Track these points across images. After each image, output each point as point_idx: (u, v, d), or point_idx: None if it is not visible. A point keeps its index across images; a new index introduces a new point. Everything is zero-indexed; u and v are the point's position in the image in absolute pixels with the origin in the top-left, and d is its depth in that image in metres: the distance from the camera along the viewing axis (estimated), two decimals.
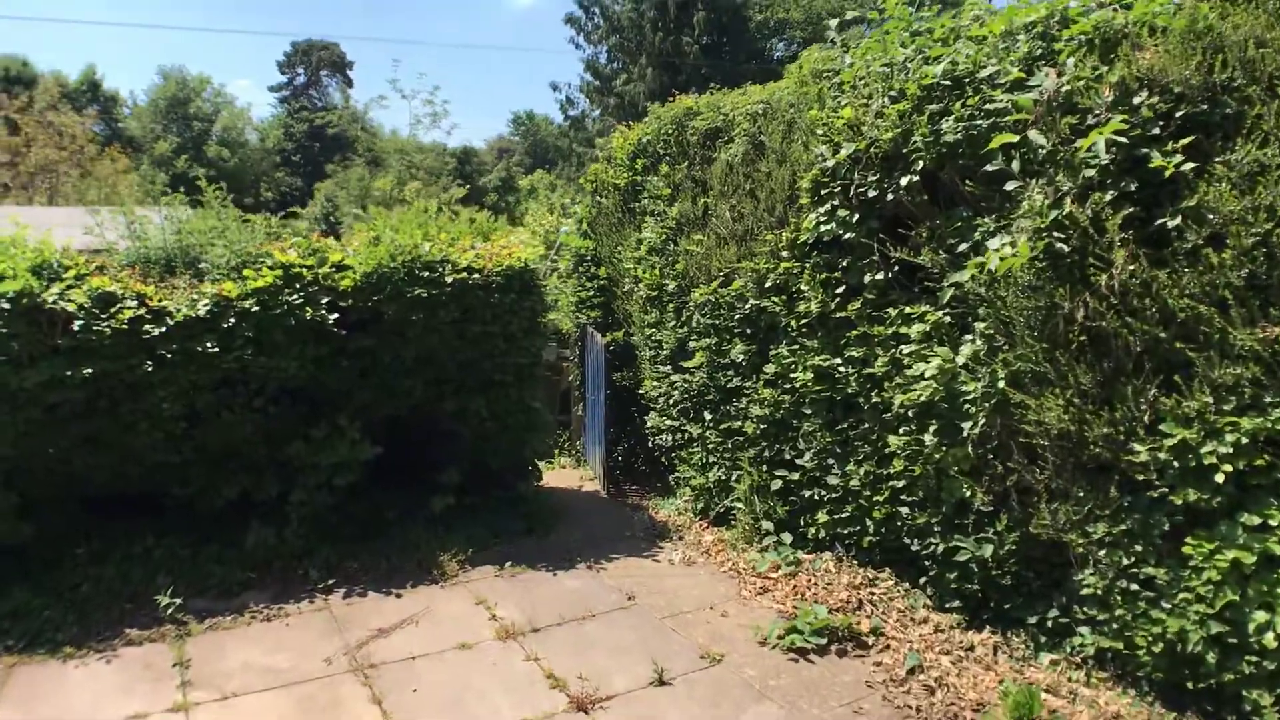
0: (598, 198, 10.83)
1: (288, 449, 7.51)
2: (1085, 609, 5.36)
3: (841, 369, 6.73)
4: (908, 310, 6.25)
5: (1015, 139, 5.15)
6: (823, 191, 6.75)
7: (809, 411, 7.05)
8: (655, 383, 9.21)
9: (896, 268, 6.39)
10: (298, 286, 7.33)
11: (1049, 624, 5.59)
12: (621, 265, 9.99)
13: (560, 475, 11.14)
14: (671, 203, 9.08)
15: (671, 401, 8.86)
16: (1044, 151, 5.30)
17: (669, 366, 8.93)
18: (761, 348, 7.62)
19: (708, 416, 8.30)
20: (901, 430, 6.25)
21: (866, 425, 6.60)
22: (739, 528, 7.83)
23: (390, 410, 7.98)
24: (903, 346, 6.24)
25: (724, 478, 8.17)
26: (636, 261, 9.46)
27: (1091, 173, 4.95)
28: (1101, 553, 5.15)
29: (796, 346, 7.14)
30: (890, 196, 6.26)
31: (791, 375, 7.14)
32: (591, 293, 10.78)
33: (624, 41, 39.98)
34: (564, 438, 12.18)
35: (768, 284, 7.39)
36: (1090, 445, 5.11)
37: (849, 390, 6.69)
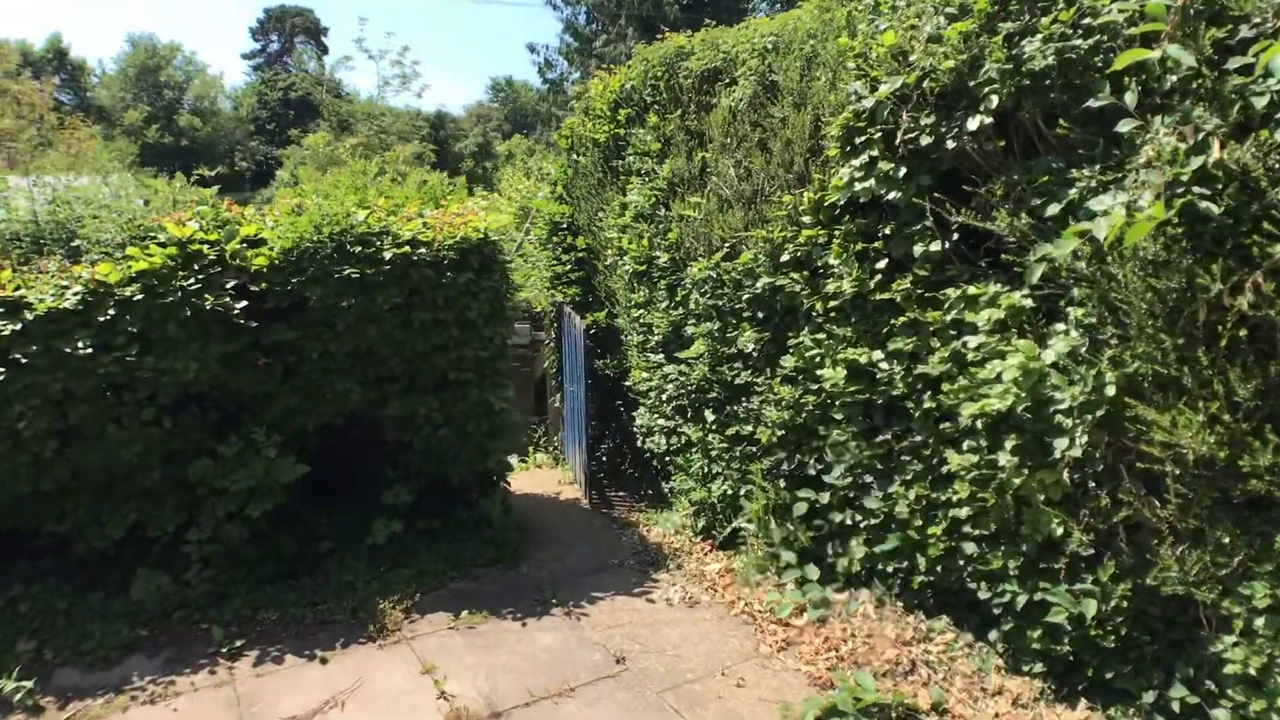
0: (574, 156, 9.42)
1: (190, 471, 6.14)
2: (1226, 688, 4.09)
3: (884, 365, 5.40)
4: (973, 291, 4.91)
5: (1153, 54, 3.76)
6: (857, 140, 5.38)
7: (840, 417, 5.72)
8: (645, 374, 7.85)
9: (956, 236, 5.05)
10: (196, 268, 5.95)
11: (1173, 704, 4.30)
12: (602, 234, 8.61)
13: (535, 478, 9.82)
14: (662, 160, 7.69)
15: (665, 397, 7.51)
16: (1174, 79, 3.96)
17: (661, 355, 7.58)
18: (777, 335, 6.28)
19: (710, 417, 6.96)
20: (966, 445, 4.94)
21: (917, 437, 5.28)
22: (751, 554, 6.53)
23: (321, 418, 6.60)
24: (967, 338, 4.92)
25: (731, 492, 6.85)
26: (620, 230, 8.08)
27: (1261, 102, 3.60)
28: (1259, 621, 3.87)
29: (823, 335, 5.80)
30: (950, 144, 4.89)
31: (817, 371, 5.80)
32: (568, 267, 9.39)
33: (603, 1, 38.37)
34: (540, 433, 10.85)
35: (785, 257, 6.03)
36: (1246, 477, 3.82)
37: (893, 392, 5.37)
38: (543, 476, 9.87)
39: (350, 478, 7.34)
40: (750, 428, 6.51)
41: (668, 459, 7.78)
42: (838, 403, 5.70)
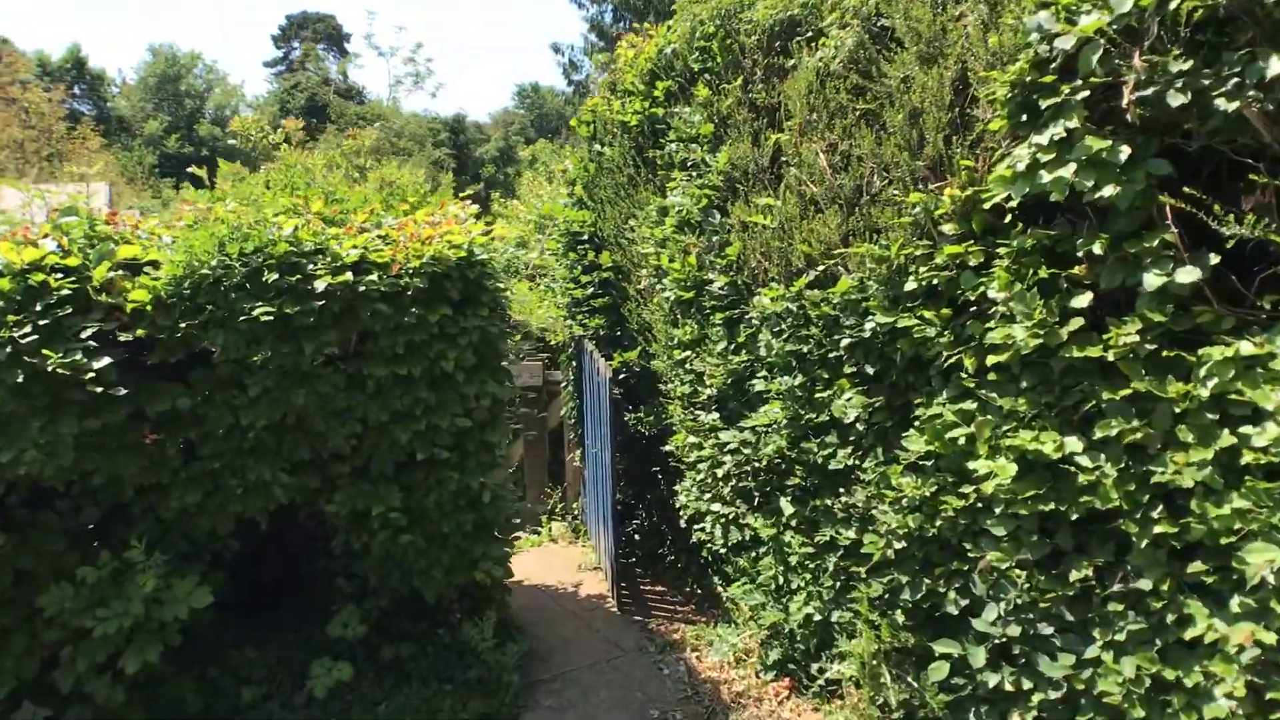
0: (597, 146, 7.68)
1: (42, 601, 4.44)
2: None
3: (1083, 460, 3.57)
4: (1251, 350, 3.10)
5: None
6: (1043, 104, 3.57)
7: (1001, 532, 3.91)
8: (692, 439, 6.08)
9: (1217, 258, 3.23)
10: (39, 308, 4.24)
11: None
12: (634, 249, 6.85)
13: (550, 558, 8.07)
14: (715, 147, 5.93)
15: (722, 474, 5.72)
16: None
17: (716, 415, 5.81)
18: (895, 401, 4.49)
19: (788, 509, 5.17)
20: (1237, 602, 3.13)
21: (1143, 580, 3.46)
22: (853, 713, 4.74)
23: (237, 518, 4.87)
24: (1245, 428, 3.11)
25: (819, 617, 5.04)
26: (659, 244, 6.32)
27: None
28: None
29: (974, 405, 4.00)
30: (1223, 104, 3.07)
31: (967, 462, 4.00)
32: (590, 290, 7.63)
33: None
34: (556, 497, 9.09)
35: (910, 285, 4.24)
36: None
37: (1098, 504, 3.55)
38: (559, 556, 8.11)
39: (286, 584, 5.65)
40: (851, 533, 4.71)
41: (724, 553, 5.99)
42: (1000, 510, 3.89)
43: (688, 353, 6.07)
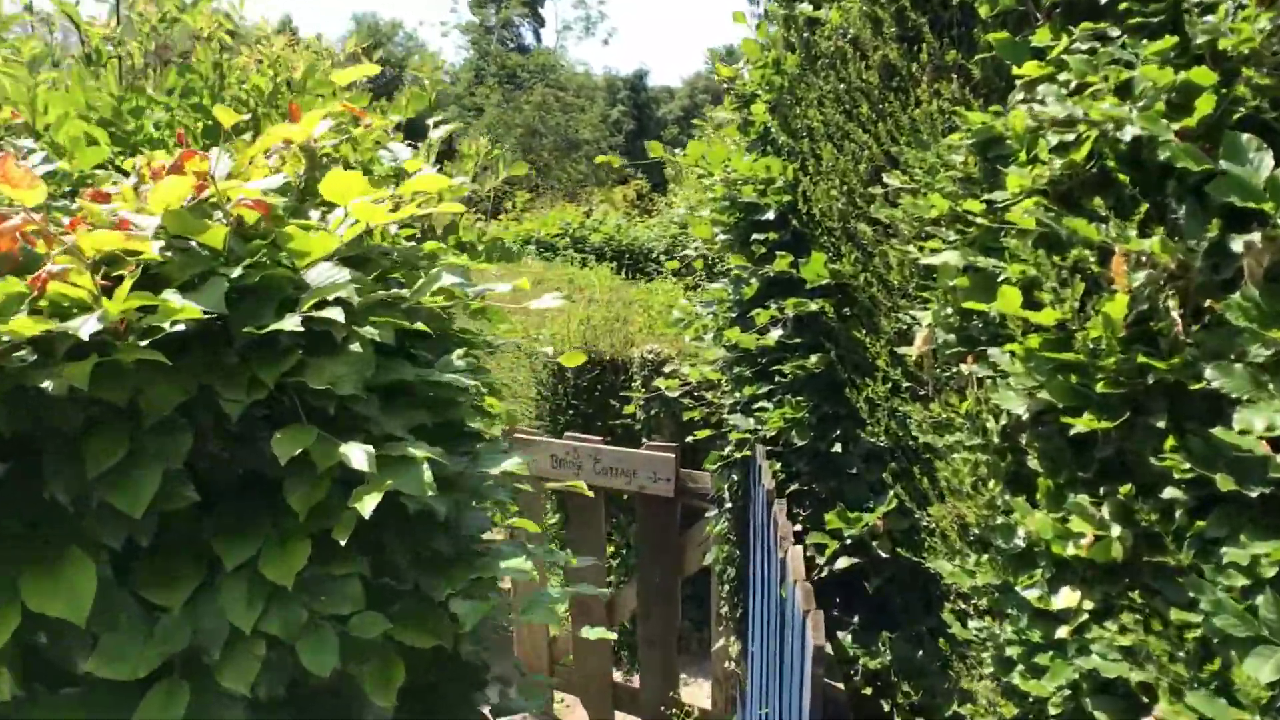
0: (793, 35, 3.70)
1: None
2: None
3: None
4: None
5: None
6: None
7: None
8: None
9: None
10: None
11: None
12: (890, 248, 2.86)
13: None
14: None
15: None
16: None
17: None
18: None
19: None
20: None
21: None
22: None
23: None
24: None
25: None
26: (974, 244, 2.30)
27: None
28: None
29: None
30: None
31: None
32: (775, 335, 3.64)
33: None
34: (698, 698, 5.18)
35: None
36: None
37: None
38: None
39: None
40: None
41: None
42: None
43: (1083, 621, 2.03)
